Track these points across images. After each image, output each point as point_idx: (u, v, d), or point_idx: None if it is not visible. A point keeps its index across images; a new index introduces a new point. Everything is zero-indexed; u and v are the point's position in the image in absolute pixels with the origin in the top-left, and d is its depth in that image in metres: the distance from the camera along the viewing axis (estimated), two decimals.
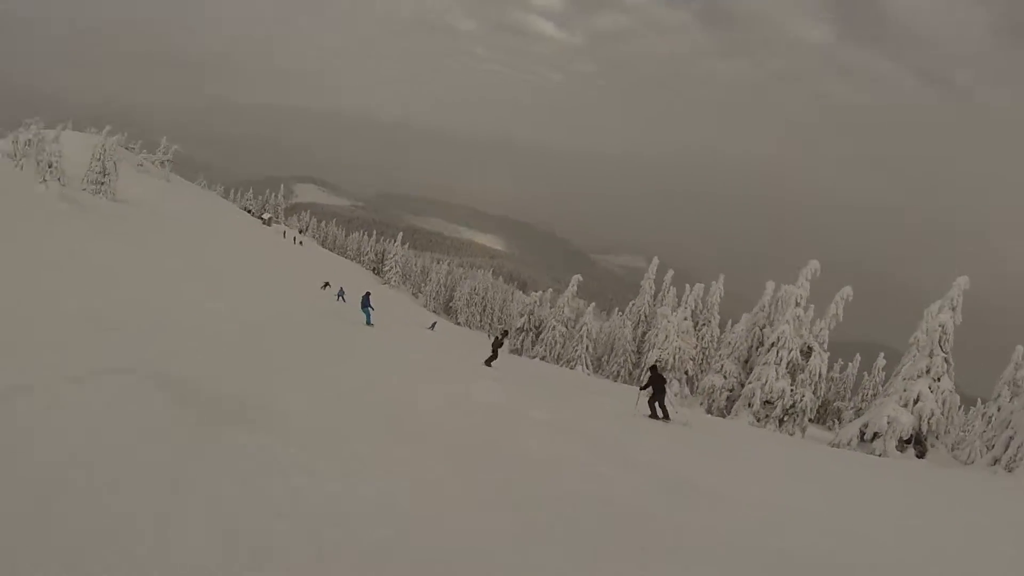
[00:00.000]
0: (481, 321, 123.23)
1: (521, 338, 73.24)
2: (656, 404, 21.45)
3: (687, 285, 58.92)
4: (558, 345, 66.50)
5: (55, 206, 45.12)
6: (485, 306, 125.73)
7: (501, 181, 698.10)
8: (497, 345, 30.29)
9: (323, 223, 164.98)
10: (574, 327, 66.81)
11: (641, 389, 22.74)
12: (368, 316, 35.55)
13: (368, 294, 37.67)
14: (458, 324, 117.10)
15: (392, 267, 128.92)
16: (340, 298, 52.69)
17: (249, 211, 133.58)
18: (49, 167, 53.53)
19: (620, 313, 75.64)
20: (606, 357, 66.92)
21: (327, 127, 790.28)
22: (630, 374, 62.08)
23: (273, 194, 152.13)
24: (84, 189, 60.50)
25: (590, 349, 63.78)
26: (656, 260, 63.46)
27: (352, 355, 20.81)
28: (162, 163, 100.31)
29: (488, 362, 28.83)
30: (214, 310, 21.54)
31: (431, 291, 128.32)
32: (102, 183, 62.63)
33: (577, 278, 67.05)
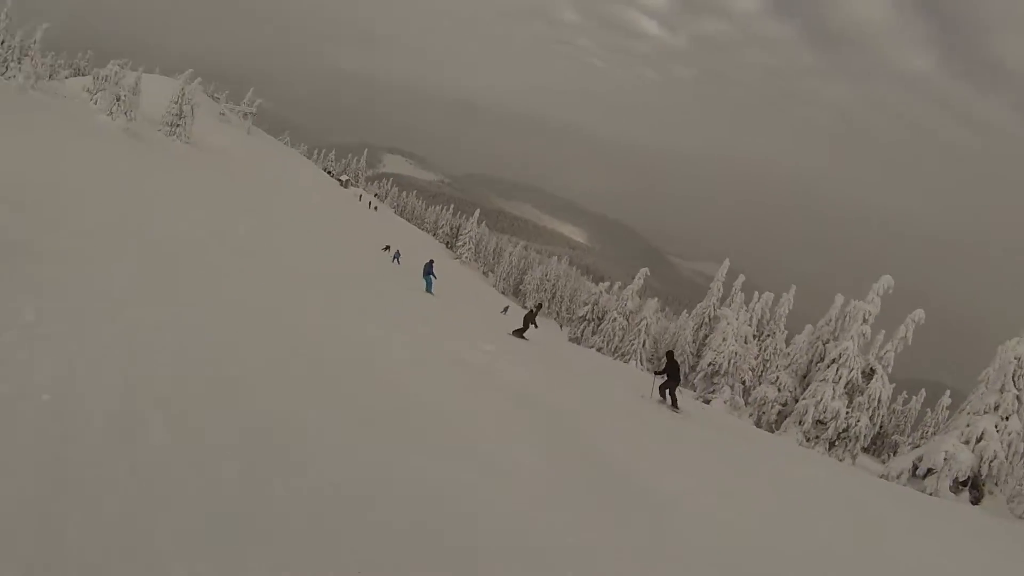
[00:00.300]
0: (548, 307, 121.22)
1: (582, 327, 71.43)
2: (667, 391, 20.69)
3: (756, 292, 56.68)
4: (616, 337, 64.44)
5: (115, 138, 44.84)
6: (555, 293, 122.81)
7: (590, 173, 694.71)
8: (530, 318, 28.82)
9: (404, 193, 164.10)
10: (635, 320, 64.66)
11: (656, 374, 22.26)
12: (429, 284, 34.96)
13: (432, 262, 36.89)
14: (524, 308, 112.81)
15: (465, 243, 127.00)
16: (396, 260, 51.54)
17: (329, 172, 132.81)
18: (117, 100, 53.06)
19: (686, 314, 73.20)
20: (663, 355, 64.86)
21: (423, 102, 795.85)
22: (685, 377, 59.86)
23: (356, 158, 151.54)
24: (159, 130, 60.39)
25: (647, 345, 61.51)
26: (727, 262, 60.80)
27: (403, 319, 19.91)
28: (245, 115, 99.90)
29: (517, 333, 27.44)
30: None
31: (502, 272, 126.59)
32: (177, 125, 62.35)
33: (644, 271, 64.81)
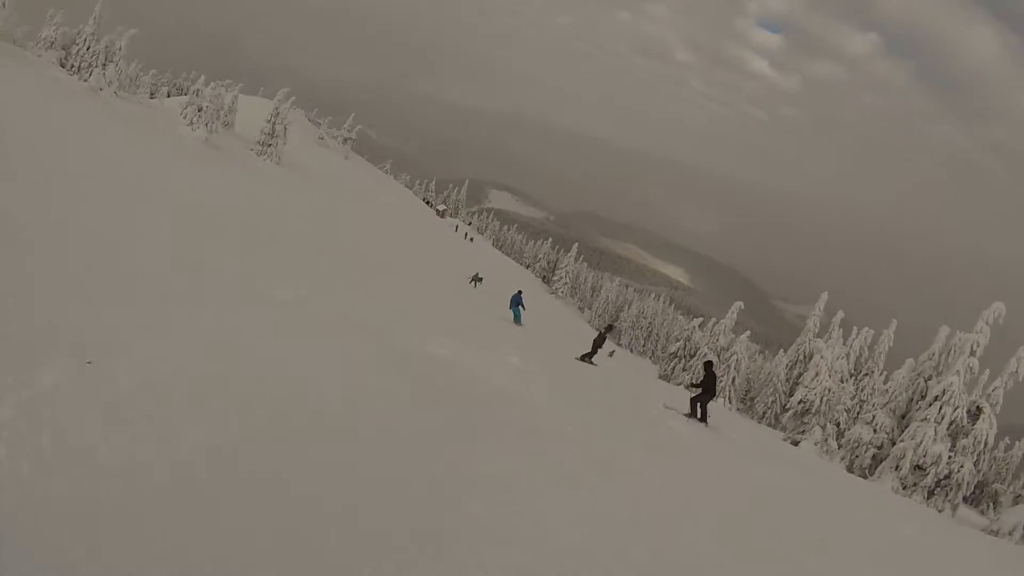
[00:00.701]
0: (644, 346, 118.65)
1: (672, 364, 68.14)
2: (699, 404, 19.58)
3: (855, 328, 53.00)
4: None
5: (194, 148, 44.23)
6: (651, 331, 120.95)
7: (696, 212, 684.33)
8: (599, 342, 27.17)
9: (505, 227, 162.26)
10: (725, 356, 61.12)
11: (691, 387, 21.22)
12: (517, 315, 33.68)
13: (520, 292, 35.50)
14: (619, 345, 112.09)
15: (562, 277, 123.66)
16: (474, 282, 49.02)
17: (428, 202, 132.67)
18: (199, 111, 52.52)
19: (782, 353, 68.89)
20: (753, 394, 61.07)
21: (534, 137, 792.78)
22: (776, 417, 56.14)
23: (456, 189, 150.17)
24: (250, 149, 60.37)
25: (736, 382, 57.97)
26: (825, 296, 56.79)
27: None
28: (344, 140, 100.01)
29: (584, 357, 25.79)
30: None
31: (598, 308, 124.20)
32: (269, 145, 62.04)
33: (739, 305, 61.38)
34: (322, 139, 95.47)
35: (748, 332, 61.44)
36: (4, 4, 47.06)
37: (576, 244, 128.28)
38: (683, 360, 67.60)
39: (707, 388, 19.56)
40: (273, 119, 62.90)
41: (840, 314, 55.40)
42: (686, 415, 19.47)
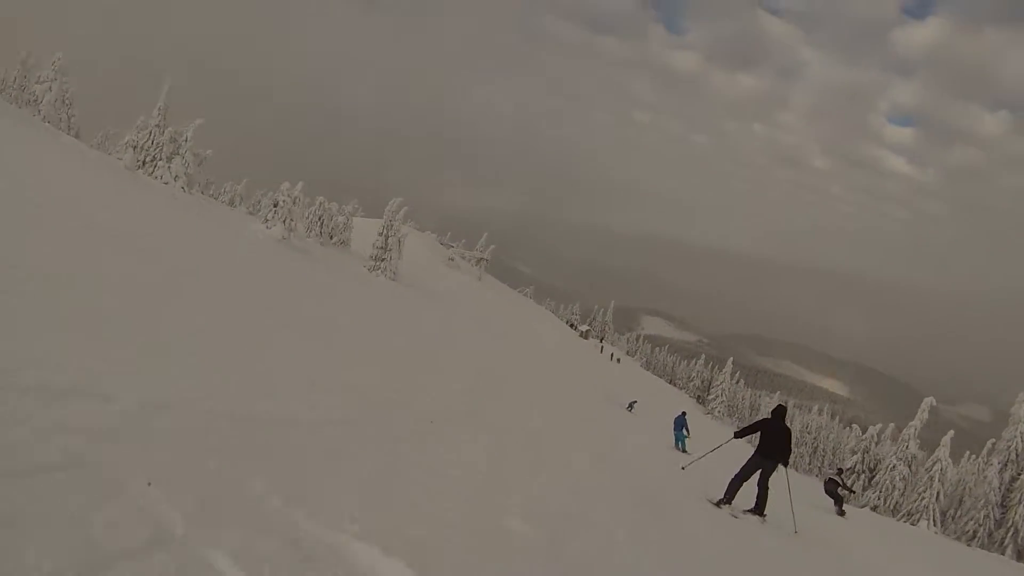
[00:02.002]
0: (810, 463, 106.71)
1: (851, 481, 57.05)
2: (761, 484, 12.98)
3: None
4: (896, 491, 49.66)
5: (264, 247, 38.44)
6: (816, 447, 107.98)
7: (850, 320, 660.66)
8: (829, 488, 25.26)
9: (657, 349, 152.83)
10: (921, 468, 49.38)
11: (737, 436, 14.13)
12: (679, 439, 29.79)
13: (684, 413, 31.97)
14: (784, 465, 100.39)
15: (718, 396, 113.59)
16: (630, 408, 42.48)
17: (572, 325, 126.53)
18: (274, 206, 46.54)
19: (973, 458, 55.48)
20: (953, 511, 48.52)
21: (684, 259, 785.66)
22: (990, 535, 44.23)
23: (603, 311, 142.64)
24: (364, 266, 56.82)
25: (940, 497, 46.23)
26: None
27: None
28: (478, 260, 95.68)
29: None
30: None
31: None
32: (382, 259, 57.17)
33: (930, 400, 50.11)
34: (452, 260, 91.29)
35: (952, 432, 49.02)
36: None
37: (731, 359, 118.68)
38: (862, 476, 56.72)
39: (768, 450, 12.78)
40: (385, 231, 58.28)
41: None
42: (721, 502, 12.85)
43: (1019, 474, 44.71)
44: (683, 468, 17.76)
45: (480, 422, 13.25)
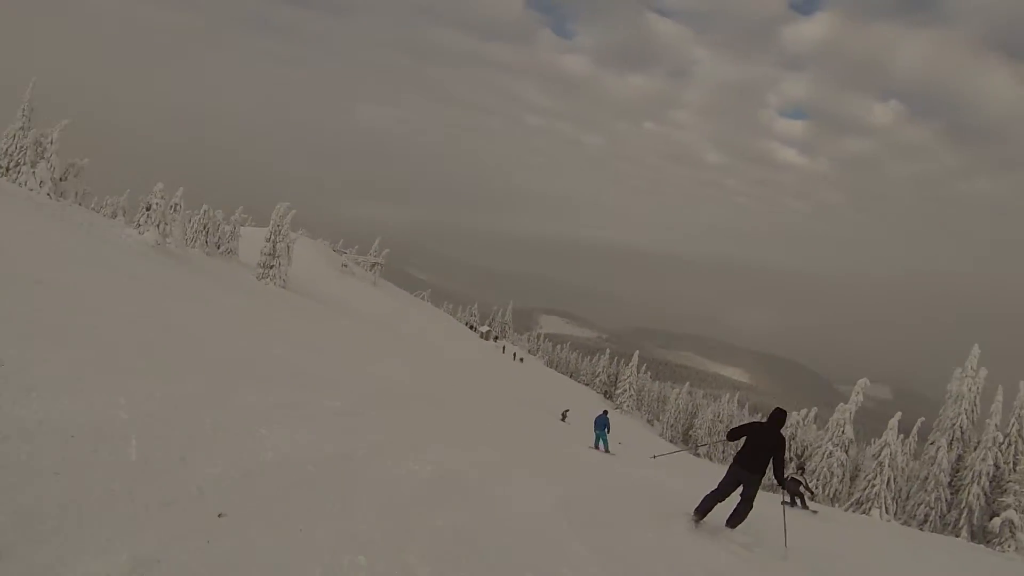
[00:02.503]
0: (724, 453, 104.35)
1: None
2: (744, 498, 10.49)
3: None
4: (835, 478, 45.28)
5: (132, 253, 33.11)
6: None
7: (746, 309, 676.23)
8: (791, 488, 22.71)
9: (558, 347, 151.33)
10: (863, 454, 45.04)
11: (730, 439, 11.16)
12: (600, 438, 28.82)
13: (605, 412, 30.86)
14: (697, 456, 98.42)
15: (625, 390, 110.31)
16: (563, 417, 43.24)
17: (471, 327, 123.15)
18: (147, 210, 41.01)
19: (902, 437, 50.57)
20: (900, 497, 44.27)
21: (579, 259, 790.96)
22: (942, 518, 40.12)
23: (501, 311, 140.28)
24: (253, 275, 53.06)
25: (892, 484, 41.03)
26: (977, 348, 41.68)
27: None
28: (372, 265, 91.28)
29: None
30: None
31: (668, 419, 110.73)
32: (271, 267, 52.63)
33: (864, 382, 45.87)
34: (346, 267, 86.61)
35: (899, 414, 44.39)
36: None
37: (637, 352, 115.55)
38: (789, 463, 52.58)
39: (748, 460, 10.29)
40: (273, 236, 53.75)
41: (984, 371, 40.82)
42: (693, 519, 10.59)
43: (963, 452, 40.92)
44: (654, 457, 20.46)
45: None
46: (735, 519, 10.55)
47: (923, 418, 44.63)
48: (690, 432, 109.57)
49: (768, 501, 13.94)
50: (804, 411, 57.43)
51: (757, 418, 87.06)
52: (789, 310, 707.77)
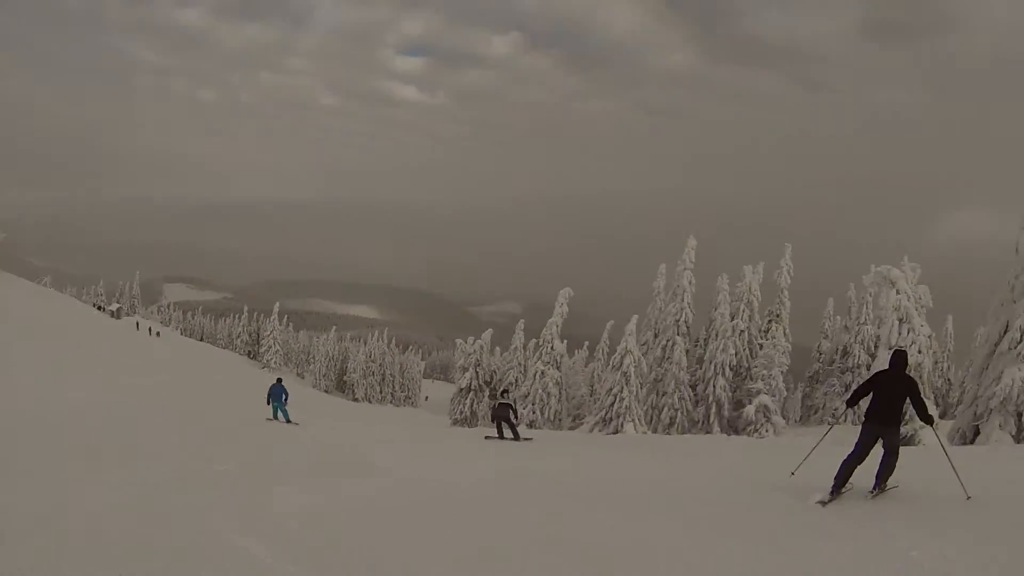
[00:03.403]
0: (381, 393, 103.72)
1: (470, 400, 46.79)
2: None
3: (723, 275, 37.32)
4: (553, 399, 39.67)
5: None
6: (384, 375, 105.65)
7: (370, 248, 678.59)
8: (500, 414, 20.63)
9: (190, 315, 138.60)
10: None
11: (849, 405, 10.01)
12: (278, 409, 23.83)
13: (279, 381, 25.18)
14: (356, 400, 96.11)
15: (269, 347, 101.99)
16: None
17: (99, 307, 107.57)
18: None
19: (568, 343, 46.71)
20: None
21: (200, 219, 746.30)
22: (689, 417, 36.13)
23: (128, 285, 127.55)
24: None
25: (639, 393, 36.34)
26: (692, 239, 38.02)
27: None
28: None
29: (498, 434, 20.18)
30: None
31: (319, 369, 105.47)
32: None
33: (567, 291, 40.52)
34: None
35: (636, 319, 39.43)
36: None
37: (278, 304, 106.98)
38: (481, 392, 47.01)
39: (883, 413, 9.22)
40: None
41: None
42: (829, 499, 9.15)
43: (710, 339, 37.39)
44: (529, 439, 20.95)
45: None
46: (886, 473, 9.21)
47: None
48: (344, 378, 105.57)
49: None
50: (486, 333, 51.28)
51: (399, 351, 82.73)
52: (415, 242, 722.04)
